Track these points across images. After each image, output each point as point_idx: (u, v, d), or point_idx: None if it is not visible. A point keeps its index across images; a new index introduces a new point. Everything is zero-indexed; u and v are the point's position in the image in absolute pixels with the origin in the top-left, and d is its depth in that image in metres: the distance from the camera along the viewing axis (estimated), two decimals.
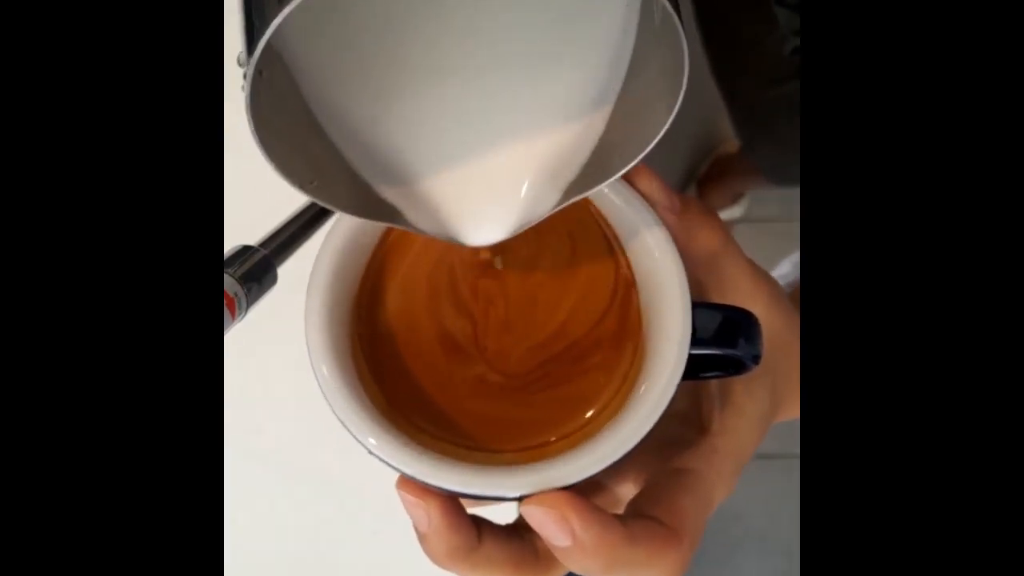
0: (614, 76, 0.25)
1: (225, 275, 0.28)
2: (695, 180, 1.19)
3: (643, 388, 0.27)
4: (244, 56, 0.21)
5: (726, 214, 1.18)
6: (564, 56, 0.25)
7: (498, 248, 0.29)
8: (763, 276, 0.33)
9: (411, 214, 0.26)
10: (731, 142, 1.14)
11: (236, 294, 0.28)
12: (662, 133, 0.23)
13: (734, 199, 1.18)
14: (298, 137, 0.25)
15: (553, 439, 0.28)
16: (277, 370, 0.52)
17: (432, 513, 0.26)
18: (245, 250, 0.31)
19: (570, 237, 0.30)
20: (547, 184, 0.26)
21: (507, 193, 0.26)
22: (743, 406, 0.31)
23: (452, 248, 0.29)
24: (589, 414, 0.29)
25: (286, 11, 0.19)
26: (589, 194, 0.26)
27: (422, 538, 0.27)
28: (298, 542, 0.53)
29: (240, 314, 0.29)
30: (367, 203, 0.26)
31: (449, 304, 0.30)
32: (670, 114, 0.22)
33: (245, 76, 0.21)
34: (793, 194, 0.85)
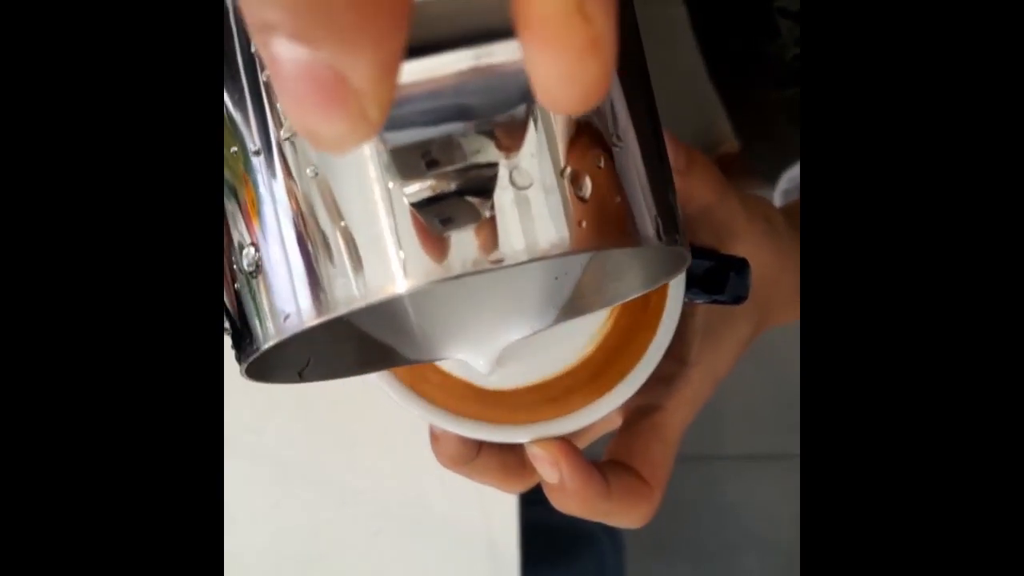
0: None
1: None
2: None
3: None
4: (237, 356, 0.22)
5: None
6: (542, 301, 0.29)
7: None
8: (757, 213, 0.35)
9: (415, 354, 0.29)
10: (731, 142, 1.14)
11: None
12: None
13: None
14: None
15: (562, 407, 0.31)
16: None
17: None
18: None
19: None
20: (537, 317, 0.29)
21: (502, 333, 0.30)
22: (722, 336, 0.34)
23: None
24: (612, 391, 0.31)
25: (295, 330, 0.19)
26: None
27: (433, 439, 0.32)
28: (298, 542, 0.53)
29: None
30: (372, 354, 0.29)
31: None
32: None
33: (238, 359, 0.22)
34: (792, 195, 0.85)
